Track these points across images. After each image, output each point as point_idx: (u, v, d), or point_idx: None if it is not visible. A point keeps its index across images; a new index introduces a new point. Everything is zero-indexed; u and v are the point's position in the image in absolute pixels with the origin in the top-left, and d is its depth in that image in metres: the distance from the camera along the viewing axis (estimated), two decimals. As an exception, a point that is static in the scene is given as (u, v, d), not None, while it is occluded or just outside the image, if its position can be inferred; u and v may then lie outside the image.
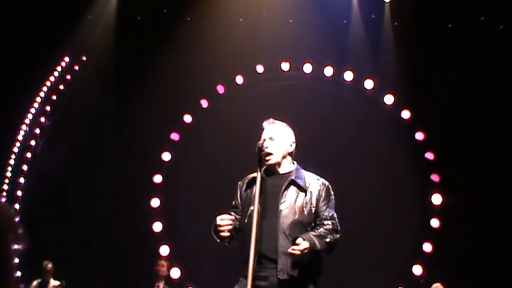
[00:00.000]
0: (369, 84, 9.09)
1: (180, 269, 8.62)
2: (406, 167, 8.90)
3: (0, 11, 8.79)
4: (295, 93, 9.15)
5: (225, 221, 3.49)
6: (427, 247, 8.52)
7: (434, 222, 8.58)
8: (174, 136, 9.26)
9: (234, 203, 3.80)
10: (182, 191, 9.09)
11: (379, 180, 8.66)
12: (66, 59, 9.61)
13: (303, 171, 3.73)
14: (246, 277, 3.42)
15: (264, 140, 3.65)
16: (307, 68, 9.20)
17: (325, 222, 3.57)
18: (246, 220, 3.58)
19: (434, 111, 8.73)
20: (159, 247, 8.79)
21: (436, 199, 8.64)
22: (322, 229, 3.52)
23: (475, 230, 8.24)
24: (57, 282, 7.99)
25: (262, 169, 3.63)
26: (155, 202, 9.03)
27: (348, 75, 9.13)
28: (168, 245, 8.83)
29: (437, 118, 8.75)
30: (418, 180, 8.85)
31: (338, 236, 3.58)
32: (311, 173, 3.75)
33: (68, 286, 7.94)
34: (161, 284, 8.01)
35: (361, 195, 8.56)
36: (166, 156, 9.19)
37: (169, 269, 8.26)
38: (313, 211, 3.58)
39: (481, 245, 8.18)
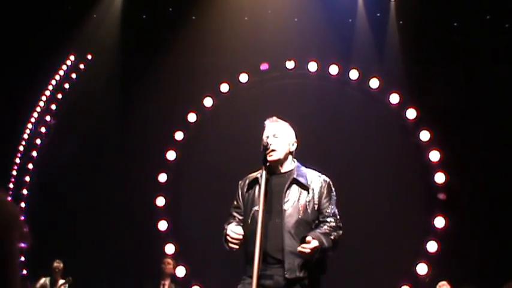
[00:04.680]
0: (374, 83, 9.06)
1: (185, 267, 8.64)
2: (411, 166, 8.88)
3: (5, 10, 8.82)
4: (300, 92, 9.14)
5: (235, 235, 3.48)
6: (432, 246, 8.50)
7: (439, 222, 8.56)
8: (179, 135, 9.27)
9: (236, 203, 3.77)
10: (187, 189, 9.10)
11: (384, 179, 8.64)
12: (72, 57, 9.65)
13: (303, 168, 3.71)
14: (250, 276, 3.41)
15: (268, 137, 3.65)
16: (312, 66, 9.19)
17: (328, 219, 3.56)
18: (249, 221, 3.57)
19: (439, 110, 8.70)
20: (164, 246, 8.80)
21: (442, 198, 8.62)
22: (326, 226, 3.52)
23: (480, 229, 8.22)
24: (63, 281, 8.03)
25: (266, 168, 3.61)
26: (160, 201, 9.05)
27: (353, 74, 9.11)
28: (173, 243, 8.84)
29: (442, 117, 8.71)
30: (423, 179, 8.82)
31: (341, 232, 3.57)
32: (312, 170, 3.73)
33: (74, 285, 7.97)
34: (167, 282, 8.01)
35: (366, 194, 8.54)
36: (170, 155, 9.20)
37: (174, 268, 8.26)
38: (316, 208, 3.57)
39: (486, 244, 8.16)
